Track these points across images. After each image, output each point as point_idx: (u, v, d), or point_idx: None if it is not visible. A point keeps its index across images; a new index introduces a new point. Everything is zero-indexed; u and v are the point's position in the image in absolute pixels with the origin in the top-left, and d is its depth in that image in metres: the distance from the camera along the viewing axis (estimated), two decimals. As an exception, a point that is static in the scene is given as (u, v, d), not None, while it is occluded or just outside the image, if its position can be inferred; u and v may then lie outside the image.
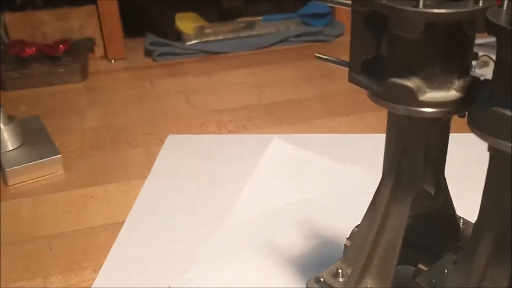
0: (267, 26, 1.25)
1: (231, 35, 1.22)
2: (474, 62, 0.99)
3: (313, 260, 0.54)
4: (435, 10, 0.30)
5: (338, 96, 0.94)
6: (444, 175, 0.39)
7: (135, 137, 0.84)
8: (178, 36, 1.22)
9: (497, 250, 0.32)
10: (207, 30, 1.21)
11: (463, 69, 0.33)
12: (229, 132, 0.84)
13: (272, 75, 1.07)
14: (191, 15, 1.24)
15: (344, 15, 1.26)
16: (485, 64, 0.96)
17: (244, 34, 1.23)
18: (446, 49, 0.32)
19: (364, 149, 0.75)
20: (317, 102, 0.93)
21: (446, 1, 0.34)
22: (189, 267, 0.54)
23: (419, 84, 0.33)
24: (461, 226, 0.43)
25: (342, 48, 1.16)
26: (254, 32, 1.23)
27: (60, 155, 0.75)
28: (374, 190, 0.40)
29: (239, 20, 1.26)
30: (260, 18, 1.27)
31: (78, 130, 0.87)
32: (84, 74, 1.09)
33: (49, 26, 1.14)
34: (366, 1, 0.33)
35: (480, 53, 0.99)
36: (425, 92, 0.33)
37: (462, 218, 0.43)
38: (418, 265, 0.40)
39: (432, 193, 0.39)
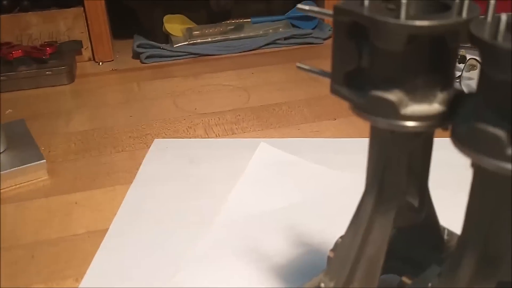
0: (255, 28, 1.24)
1: (219, 37, 1.21)
2: (461, 65, 0.99)
3: (296, 269, 0.53)
4: (417, 23, 0.29)
5: (325, 100, 0.94)
6: (427, 187, 0.39)
7: (121, 141, 0.83)
8: (166, 38, 1.21)
9: (482, 265, 0.32)
10: (195, 32, 1.21)
11: (446, 82, 0.33)
12: (216, 136, 0.84)
13: (260, 77, 1.06)
14: (179, 17, 1.23)
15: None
16: (473, 68, 0.96)
17: (232, 36, 1.22)
18: (429, 61, 0.32)
19: (351, 153, 0.75)
20: (305, 106, 0.92)
21: (429, 12, 0.34)
22: (174, 273, 0.53)
23: (401, 97, 0.32)
24: (446, 237, 0.42)
25: (331, 50, 1.16)
26: (242, 34, 1.23)
27: (44, 161, 0.74)
28: (361, 196, 0.39)
29: (228, 22, 1.26)
30: (249, 20, 1.26)
31: (63, 133, 0.86)
32: (71, 76, 1.07)
33: (36, 28, 1.13)
34: (348, 11, 0.32)
35: (468, 56, 0.99)
36: (407, 105, 0.32)
37: (447, 229, 0.43)
38: (402, 278, 0.40)
39: (416, 205, 0.38)
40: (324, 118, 0.87)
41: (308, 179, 0.70)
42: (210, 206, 0.64)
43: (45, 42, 1.10)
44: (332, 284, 0.38)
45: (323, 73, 0.37)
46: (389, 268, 0.41)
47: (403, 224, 0.39)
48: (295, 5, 1.29)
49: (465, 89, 0.93)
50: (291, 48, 1.22)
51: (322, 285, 0.38)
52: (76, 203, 0.68)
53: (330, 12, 0.34)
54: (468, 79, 0.95)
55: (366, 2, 0.32)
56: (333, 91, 0.36)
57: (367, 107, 0.33)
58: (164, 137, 0.83)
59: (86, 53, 1.17)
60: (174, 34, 1.20)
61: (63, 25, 1.14)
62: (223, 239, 0.59)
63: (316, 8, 0.36)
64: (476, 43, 0.27)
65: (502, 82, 0.27)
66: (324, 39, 1.23)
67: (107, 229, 0.62)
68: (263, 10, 1.30)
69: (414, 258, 0.42)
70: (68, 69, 1.06)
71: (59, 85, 1.05)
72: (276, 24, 1.25)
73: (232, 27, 1.24)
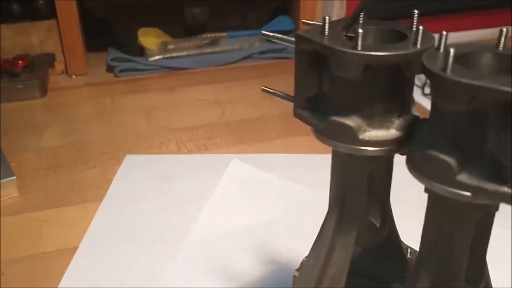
0: (231, 43, 1.25)
1: (194, 51, 1.22)
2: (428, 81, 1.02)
3: None
4: (373, 53, 0.31)
5: (299, 115, 0.95)
6: (389, 207, 0.40)
7: (93, 157, 0.82)
8: (141, 51, 1.21)
9: (437, 283, 0.33)
10: (171, 46, 1.21)
11: (403, 108, 0.34)
12: (189, 151, 0.84)
13: (235, 92, 1.07)
14: (154, 30, 1.23)
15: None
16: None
17: (208, 50, 1.23)
18: (385, 89, 0.33)
19: (323, 170, 0.75)
20: (278, 121, 0.93)
21: (386, 41, 0.35)
22: (142, 295, 0.53)
23: (359, 123, 0.33)
24: (409, 256, 0.43)
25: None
26: (218, 49, 1.23)
27: (15, 177, 0.73)
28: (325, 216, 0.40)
29: (203, 36, 1.26)
30: (224, 34, 1.27)
31: (35, 149, 0.86)
32: (44, 90, 1.07)
33: (8, 41, 1.12)
34: (309, 40, 0.33)
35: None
36: (365, 131, 0.33)
37: (410, 248, 0.44)
38: (364, 295, 0.41)
39: (378, 225, 0.39)
40: (298, 134, 0.88)
41: (279, 196, 0.70)
42: (181, 225, 0.64)
43: (17, 55, 1.09)
44: (296, 304, 0.38)
45: (286, 97, 0.38)
46: (353, 285, 0.42)
47: (365, 244, 0.40)
48: (270, 20, 1.30)
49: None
50: (266, 62, 1.24)
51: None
52: (46, 220, 0.67)
53: (293, 39, 0.35)
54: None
55: (326, 31, 0.33)
56: (296, 114, 0.37)
57: (327, 132, 0.34)
58: (136, 153, 0.83)
59: (59, 66, 1.16)
60: (149, 47, 1.20)
61: (36, 37, 1.13)
62: (194, 258, 0.59)
63: (279, 35, 0.37)
64: (427, 74, 0.29)
65: (452, 112, 0.28)
66: (298, 54, 1.24)
67: (77, 247, 0.61)
68: (238, 25, 1.31)
69: (378, 276, 0.43)
70: (40, 83, 1.05)
71: (31, 99, 1.04)
72: (252, 39, 1.26)
73: (208, 41, 1.24)
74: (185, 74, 1.17)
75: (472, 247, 0.32)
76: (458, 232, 0.31)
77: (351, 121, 0.33)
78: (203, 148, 0.85)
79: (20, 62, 1.05)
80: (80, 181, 0.76)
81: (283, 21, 1.29)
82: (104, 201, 0.70)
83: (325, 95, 0.35)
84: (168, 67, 1.18)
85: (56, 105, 1.03)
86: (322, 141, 0.35)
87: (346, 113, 0.33)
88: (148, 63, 1.17)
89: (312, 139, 0.87)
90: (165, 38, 1.24)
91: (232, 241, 0.61)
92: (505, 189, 0.27)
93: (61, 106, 1.03)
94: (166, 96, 1.06)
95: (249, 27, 1.30)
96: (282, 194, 0.71)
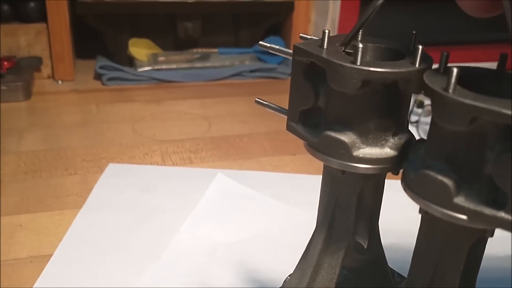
0: (222, 59, 1.25)
1: (184, 65, 1.21)
2: (419, 110, 1.02)
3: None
4: (372, 68, 0.30)
5: (286, 134, 0.93)
6: (377, 228, 0.39)
7: (74, 163, 0.80)
8: (131, 61, 1.20)
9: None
10: (161, 58, 1.20)
11: (399, 127, 0.33)
12: (174, 164, 0.83)
13: (222, 108, 1.06)
14: (145, 41, 1.22)
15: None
16: (430, 113, 0.99)
17: (198, 64, 1.22)
18: (382, 106, 0.32)
19: (308, 190, 0.75)
20: (265, 139, 0.93)
21: (384, 59, 0.35)
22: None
23: (353, 139, 0.32)
24: (397, 280, 0.42)
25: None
26: (208, 64, 1.23)
27: (-10, 179, 0.71)
28: (312, 234, 0.39)
29: (194, 50, 1.26)
30: (216, 50, 1.27)
31: (14, 152, 0.83)
32: (28, 93, 1.05)
33: (-6, 41, 1.10)
34: (307, 52, 0.33)
35: (426, 102, 1.02)
36: (359, 148, 0.32)
37: (397, 272, 0.43)
38: (349, 319, 0.39)
39: (365, 246, 0.38)
40: (284, 153, 0.88)
41: (262, 213, 0.69)
42: (160, 238, 0.63)
43: (3, 56, 1.07)
44: (277, 325, 0.37)
45: (280, 110, 0.38)
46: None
47: (351, 265, 0.39)
48: (262, 39, 1.31)
49: (423, 134, 0.96)
50: (256, 81, 1.23)
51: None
52: (20, 225, 0.65)
53: (290, 51, 0.35)
54: (426, 124, 0.97)
55: (325, 44, 0.33)
56: (289, 128, 0.36)
57: (320, 146, 0.34)
58: (119, 162, 0.81)
59: (46, 70, 1.15)
60: (138, 58, 1.19)
61: (24, 40, 1.12)
62: (170, 273, 0.57)
63: (276, 46, 0.36)
64: (429, 93, 0.28)
65: (452, 132, 0.28)
66: (289, 75, 1.25)
67: (50, 255, 0.59)
68: (230, 42, 1.31)
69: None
70: (24, 85, 1.03)
71: (14, 101, 1.02)
72: (243, 57, 1.26)
73: (199, 56, 1.24)
74: (174, 87, 1.16)
75: (463, 271, 0.31)
76: (450, 256, 0.31)
77: (346, 137, 0.32)
78: (188, 161, 0.84)
79: (5, 63, 1.03)
80: (59, 187, 0.74)
81: (274, 41, 1.28)
82: (82, 209, 0.68)
83: (320, 109, 0.34)
84: (156, 79, 1.17)
85: (39, 109, 1.01)
86: (315, 156, 0.34)
87: (341, 128, 0.33)
88: (137, 73, 1.16)
89: (298, 159, 0.87)
90: (156, 50, 1.23)
91: (213, 257, 0.60)
92: (503, 214, 0.27)
93: (45, 110, 1.01)
94: (153, 107, 1.05)
95: (241, 45, 1.30)
96: (266, 211, 0.69)
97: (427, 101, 1.00)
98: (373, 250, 0.39)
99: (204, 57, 1.24)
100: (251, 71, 1.24)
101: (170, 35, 1.25)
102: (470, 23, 1.38)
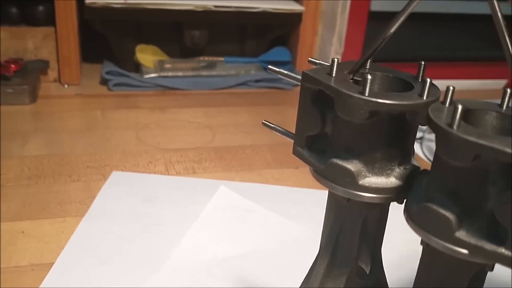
0: (227, 68, 1.25)
1: (190, 73, 1.22)
2: (424, 127, 1.02)
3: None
4: (380, 100, 0.30)
5: (289, 147, 0.94)
6: (380, 254, 0.39)
7: (77, 170, 0.81)
8: (137, 67, 1.21)
9: None
10: (167, 65, 1.21)
11: (404, 157, 0.34)
12: (177, 173, 0.83)
13: (227, 117, 1.07)
14: (152, 48, 1.23)
15: (304, 66, 1.28)
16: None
17: (204, 73, 1.23)
18: (388, 136, 0.32)
19: (309, 204, 0.76)
20: (268, 151, 0.93)
21: (392, 89, 0.35)
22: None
23: (359, 168, 0.33)
24: None
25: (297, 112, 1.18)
26: (214, 72, 1.24)
27: (-6, 184, 0.71)
28: (314, 247, 0.39)
29: (201, 58, 1.26)
30: (222, 59, 1.27)
31: (17, 156, 0.84)
32: (33, 96, 1.05)
33: (3, 43, 1.10)
34: (315, 80, 0.33)
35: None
36: (365, 177, 0.33)
37: None
38: None
39: (367, 271, 0.38)
40: (286, 166, 0.88)
41: (263, 227, 0.69)
42: (161, 249, 0.63)
43: (10, 58, 1.08)
44: None
45: (287, 133, 0.38)
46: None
47: (352, 291, 0.39)
48: (268, 49, 1.31)
49: (426, 151, 0.96)
50: (261, 91, 1.24)
51: None
52: (23, 232, 0.65)
53: (299, 77, 0.35)
54: (430, 140, 0.98)
55: (334, 72, 0.33)
56: (295, 152, 0.37)
57: (326, 173, 0.34)
58: (123, 170, 0.82)
59: (52, 74, 1.15)
60: (145, 64, 1.20)
61: (32, 43, 1.12)
62: (169, 285, 0.57)
63: (285, 72, 0.37)
64: (433, 127, 0.28)
65: (455, 167, 0.28)
66: (294, 86, 1.26)
67: (52, 263, 0.59)
68: (236, 51, 1.32)
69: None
70: (31, 89, 1.04)
71: (20, 104, 1.03)
72: (248, 66, 1.27)
73: (205, 64, 1.25)
74: (179, 95, 1.17)
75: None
76: (451, 286, 0.31)
77: (352, 166, 0.33)
78: (191, 171, 0.84)
79: (12, 66, 1.04)
80: (62, 194, 0.74)
81: (280, 52, 1.30)
82: (85, 217, 0.68)
83: (326, 135, 0.35)
84: (162, 86, 1.17)
85: (44, 113, 1.02)
86: (320, 182, 0.35)
87: (347, 156, 0.33)
88: (143, 80, 1.17)
89: (300, 172, 0.87)
90: (162, 56, 1.24)
91: (212, 270, 0.60)
92: (503, 250, 0.27)
93: (50, 114, 1.01)
94: (157, 115, 1.05)
95: (247, 55, 1.31)
96: (267, 225, 0.70)
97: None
98: (374, 275, 0.39)
99: (210, 66, 1.24)
100: (256, 81, 1.24)
101: (177, 43, 1.25)
102: (476, 40, 1.39)
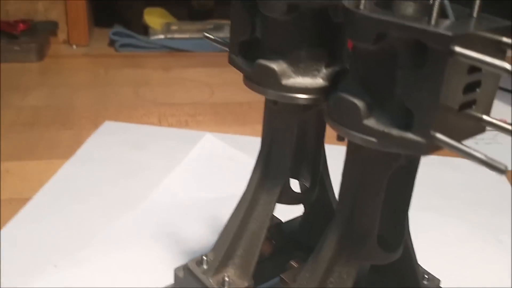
0: (234, 30, 1.24)
1: (196, 35, 1.21)
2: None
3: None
4: (298, -8, 0.29)
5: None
6: (319, 168, 0.38)
7: (72, 119, 0.82)
8: (145, 30, 1.21)
9: (344, 244, 0.31)
10: (174, 27, 1.21)
11: (332, 58, 0.32)
12: (169, 125, 0.83)
13: (228, 77, 1.06)
14: (160, 11, 1.23)
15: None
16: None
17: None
18: (313, 35, 0.31)
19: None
20: (265, 107, 0.92)
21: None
22: (81, 249, 0.52)
23: (284, 67, 0.32)
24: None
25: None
26: (221, 35, 1.22)
27: (-13, 128, 0.73)
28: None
29: (208, 21, 1.26)
30: (229, 22, 1.26)
31: (16, 106, 0.86)
32: (40, 55, 1.07)
33: (13, 4, 1.13)
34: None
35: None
36: (290, 77, 0.32)
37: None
38: (290, 261, 0.39)
39: (308, 185, 0.38)
40: (280, 121, 0.87)
41: (245, 175, 0.69)
42: (141, 191, 0.63)
43: (19, 19, 1.10)
44: (212, 257, 0.37)
45: (224, 43, 0.37)
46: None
47: (289, 203, 0.38)
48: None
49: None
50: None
51: (204, 257, 0.38)
52: (8, 171, 0.67)
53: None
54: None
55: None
56: (230, 61, 0.36)
57: (255, 77, 0.33)
58: (116, 121, 0.82)
59: (62, 35, 1.17)
60: (153, 26, 1.20)
61: (41, 5, 1.14)
62: (142, 222, 0.57)
63: (220, 39, 0.37)
64: (344, 12, 0.27)
65: (365, 53, 0.27)
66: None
67: (30, 198, 0.61)
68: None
69: None
70: (38, 47, 1.06)
71: (27, 62, 1.05)
72: (256, 29, 1.25)
73: (212, 26, 1.24)
74: (183, 56, 1.17)
75: (387, 206, 0.31)
76: (368, 185, 0.30)
77: (276, 65, 0.32)
78: (184, 124, 0.84)
79: (20, 25, 1.06)
80: (52, 140, 0.75)
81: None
82: (70, 160, 0.69)
83: (258, 41, 0.34)
84: (168, 47, 1.17)
85: (49, 70, 1.04)
86: (251, 88, 0.34)
87: (273, 57, 0.32)
88: (149, 41, 1.17)
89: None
90: (170, 19, 1.24)
91: (188, 211, 0.60)
92: (410, 135, 0.26)
93: (54, 72, 1.03)
94: (159, 74, 1.06)
95: (256, 18, 1.29)
96: (249, 173, 0.69)
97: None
98: (315, 190, 0.38)
99: (217, 28, 1.24)
100: (264, 44, 1.22)
101: (185, 6, 1.25)
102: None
